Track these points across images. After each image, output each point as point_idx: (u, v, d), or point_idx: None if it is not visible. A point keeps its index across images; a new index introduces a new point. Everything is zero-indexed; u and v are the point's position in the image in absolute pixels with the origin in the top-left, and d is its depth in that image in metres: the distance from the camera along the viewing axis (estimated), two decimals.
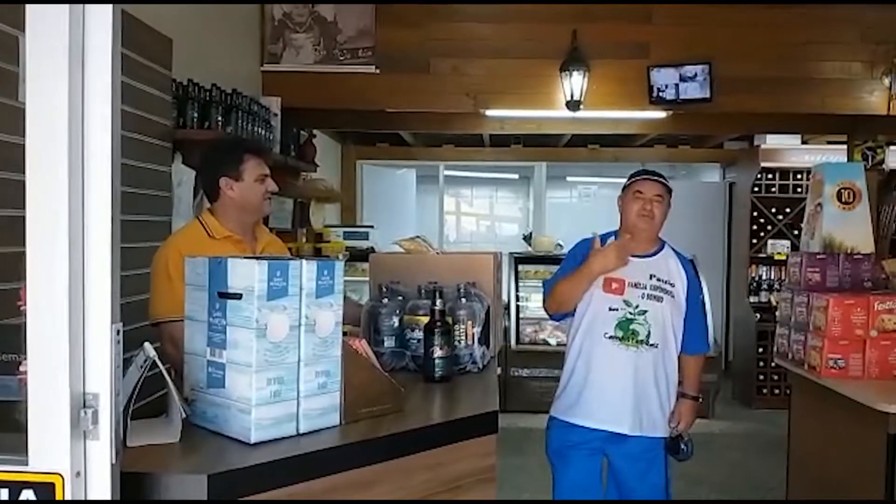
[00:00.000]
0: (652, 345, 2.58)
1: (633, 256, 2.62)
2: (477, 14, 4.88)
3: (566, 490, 2.67)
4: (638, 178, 2.68)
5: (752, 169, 6.70)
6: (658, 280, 2.63)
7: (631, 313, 2.57)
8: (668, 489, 2.70)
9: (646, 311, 2.58)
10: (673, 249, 2.75)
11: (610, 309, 2.58)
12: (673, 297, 2.63)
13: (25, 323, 1.09)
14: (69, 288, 1.05)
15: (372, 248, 5.87)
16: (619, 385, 2.56)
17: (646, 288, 2.60)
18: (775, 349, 3.44)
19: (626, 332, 2.57)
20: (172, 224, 3.12)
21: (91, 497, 1.10)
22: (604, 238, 2.67)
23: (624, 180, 2.76)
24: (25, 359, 1.16)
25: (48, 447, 1.07)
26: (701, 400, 2.77)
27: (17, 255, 1.65)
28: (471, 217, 10.79)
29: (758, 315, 6.41)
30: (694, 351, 2.73)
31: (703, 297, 2.74)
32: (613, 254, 2.53)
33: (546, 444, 2.72)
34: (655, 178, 2.66)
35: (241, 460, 1.37)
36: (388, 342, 2.17)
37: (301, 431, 1.50)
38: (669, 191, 2.67)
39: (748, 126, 6.23)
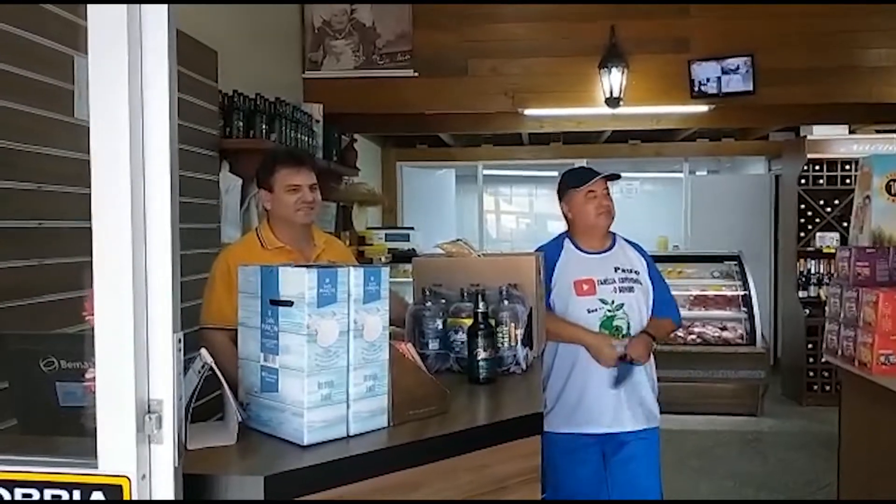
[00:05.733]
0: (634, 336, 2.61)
1: (593, 254, 2.69)
2: (513, 14, 4.88)
3: (574, 496, 2.67)
4: (589, 180, 2.68)
5: (799, 160, 6.55)
6: (623, 271, 2.67)
7: (610, 310, 2.60)
8: (661, 486, 2.73)
9: (622, 305, 2.61)
10: (622, 238, 2.79)
11: (589, 311, 2.60)
12: (641, 283, 2.68)
13: (90, 331, 1.16)
14: (134, 300, 1.11)
15: (413, 249, 5.92)
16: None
17: (615, 282, 2.64)
18: (825, 345, 3.38)
19: (611, 330, 2.60)
20: (221, 231, 3.22)
21: (156, 498, 1.15)
22: (554, 244, 2.73)
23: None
24: (91, 366, 1.23)
25: (116, 451, 1.13)
26: (655, 343, 2.72)
27: (78, 265, 1.74)
28: (511, 215, 10.78)
29: (807, 310, 6.28)
30: (668, 317, 2.78)
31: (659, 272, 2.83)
32: (607, 352, 2.56)
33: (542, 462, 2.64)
34: (600, 174, 2.69)
35: (295, 462, 1.42)
36: (433, 345, 2.19)
37: (351, 433, 1.54)
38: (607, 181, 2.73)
39: (793, 117, 6.11)
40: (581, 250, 2.72)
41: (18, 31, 1.98)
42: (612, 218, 2.71)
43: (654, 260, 2.85)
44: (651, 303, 2.72)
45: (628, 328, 2.62)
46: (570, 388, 2.62)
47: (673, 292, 2.88)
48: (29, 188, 2.01)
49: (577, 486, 2.65)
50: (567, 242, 2.75)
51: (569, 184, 2.73)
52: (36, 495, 1.14)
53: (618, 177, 2.78)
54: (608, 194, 2.70)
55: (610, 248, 2.74)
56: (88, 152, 1.13)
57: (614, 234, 2.79)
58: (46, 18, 2.09)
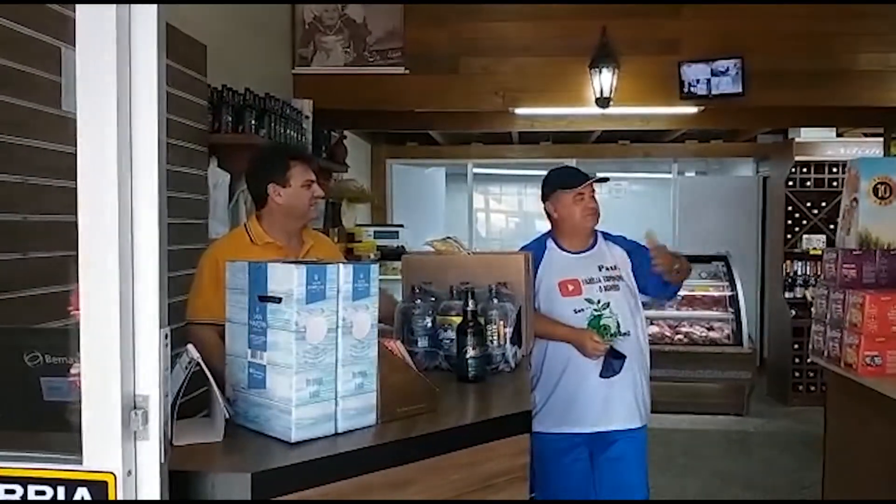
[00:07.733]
0: (625, 333, 2.62)
1: (576, 253, 2.69)
2: (505, 12, 4.87)
3: (563, 495, 2.67)
4: (578, 182, 2.66)
5: (787, 163, 6.60)
6: (606, 269, 2.69)
7: (597, 309, 2.60)
8: (647, 484, 2.73)
9: (609, 304, 2.61)
10: (601, 234, 2.79)
11: (575, 311, 2.60)
12: (623, 279, 2.69)
13: (76, 326, 1.14)
14: (120, 294, 1.10)
15: (402, 246, 5.91)
16: (606, 384, 2.59)
17: (600, 280, 2.65)
18: (811, 346, 3.40)
19: (599, 330, 2.59)
20: (209, 226, 3.19)
21: (141, 495, 1.14)
22: (536, 244, 2.72)
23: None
24: (76, 361, 1.22)
25: (101, 447, 1.12)
26: (681, 266, 2.64)
27: (63, 259, 1.71)
28: (500, 214, 10.78)
29: (793, 311, 6.32)
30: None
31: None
32: (591, 343, 2.54)
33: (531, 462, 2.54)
34: (588, 175, 2.69)
35: (283, 459, 1.41)
36: (422, 342, 2.19)
37: (339, 431, 1.53)
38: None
39: (782, 120, 6.14)
40: (564, 250, 2.73)
41: (4, 21, 1.95)
42: (598, 219, 2.72)
43: None
44: (636, 299, 2.72)
45: (617, 326, 2.61)
46: (562, 389, 2.62)
47: None
48: (14, 181, 1.99)
49: (565, 486, 2.65)
50: (550, 242, 2.75)
51: (557, 185, 2.72)
52: (19, 491, 1.13)
53: (607, 180, 2.78)
54: (594, 196, 2.71)
55: (592, 247, 2.74)
56: (75, 145, 1.11)
57: (596, 231, 2.80)
58: (33, 9, 2.06)
